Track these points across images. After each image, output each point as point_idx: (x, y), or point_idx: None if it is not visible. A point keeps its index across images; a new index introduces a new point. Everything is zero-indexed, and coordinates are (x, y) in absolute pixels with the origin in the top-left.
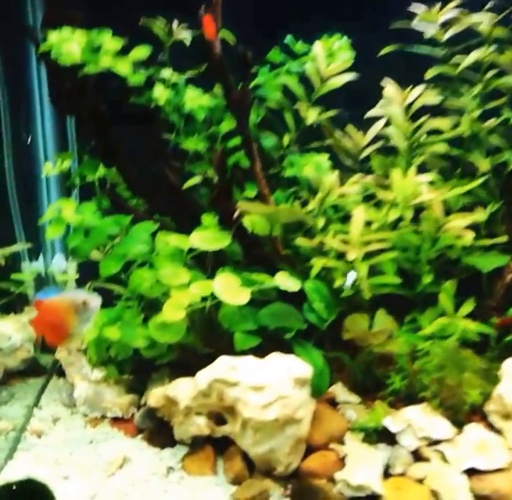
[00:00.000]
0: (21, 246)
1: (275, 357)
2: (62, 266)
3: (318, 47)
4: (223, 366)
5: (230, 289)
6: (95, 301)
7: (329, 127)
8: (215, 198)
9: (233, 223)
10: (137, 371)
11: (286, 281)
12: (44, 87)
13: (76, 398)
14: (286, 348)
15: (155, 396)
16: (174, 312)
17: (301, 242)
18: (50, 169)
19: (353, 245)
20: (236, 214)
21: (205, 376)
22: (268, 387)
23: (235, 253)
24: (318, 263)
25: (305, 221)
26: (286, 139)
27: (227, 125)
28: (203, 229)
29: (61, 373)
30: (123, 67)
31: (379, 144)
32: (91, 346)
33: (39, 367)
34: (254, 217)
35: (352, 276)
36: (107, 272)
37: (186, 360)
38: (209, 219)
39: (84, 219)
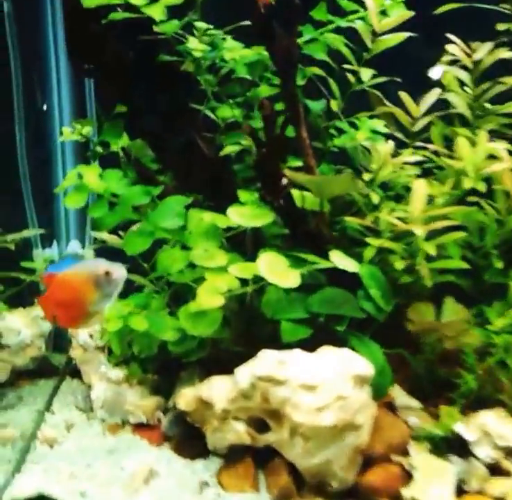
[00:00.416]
0: (32, 232)
1: (330, 351)
2: (77, 253)
3: (370, 1)
4: (269, 361)
5: (277, 270)
6: (119, 271)
7: (378, 95)
8: (261, 161)
9: (279, 194)
10: (162, 369)
11: (342, 261)
12: (60, 48)
13: (93, 400)
14: (338, 342)
15: (185, 397)
16: (210, 298)
17: (351, 221)
18: (68, 133)
19: (415, 222)
20: (284, 182)
21: (247, 373)
22: (324, 386)
23: (275, 233)
24: (374, 243)
25: (360, 195)
26: (335, 105)
27: (266, 89)
28: (240, 206)
29: (75, 373)
30: (156, 10)
31: (436, 113)
32: (114, 339)
33: (51, 366)
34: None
35: None
36: (134, 250)
37: (218, 358)
38: (246, 195)
39: (110, 187)
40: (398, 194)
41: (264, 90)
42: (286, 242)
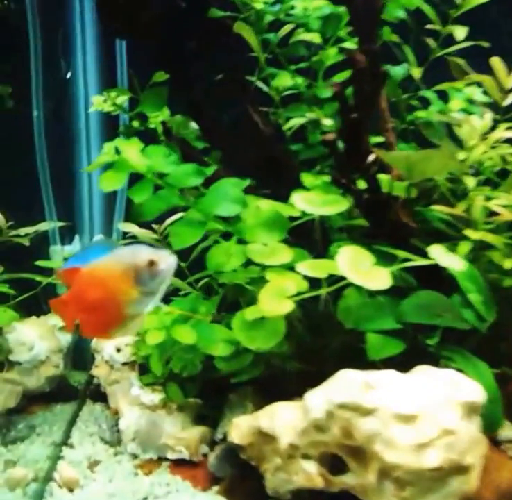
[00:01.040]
0: (50, 225)
1: (429, 372)
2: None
3: None
4: (351, 383)
5: (362, 269)
6: (167, 260)
7: (460, 63)
8: (349, 130)
9: (365, 174)
10: (205, 392)
11: (446, 257)
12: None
13: (123, 431)
14: (427, 359)
15: (239, 428)
16: (276, 303)
17: (440, 209)
18: (100, 102)
19: None
20: (371, 158)
21: (322, 399)
22: (425, 417)
23: (341, 225)
24: (473, 236)
25: (445, 180)
26: (416, 72)
27: (334, 53)
28: (305, 191)
29: (99, 396)
30: None
31: None
32: (154, 355)
33: (70, 388)
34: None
35: None
36: (182, 243)
37: (273, 377)
38: (311, 178)
39: (154, 165)
40: (488, 179)
41: (332, 53)
42: (361, 235)
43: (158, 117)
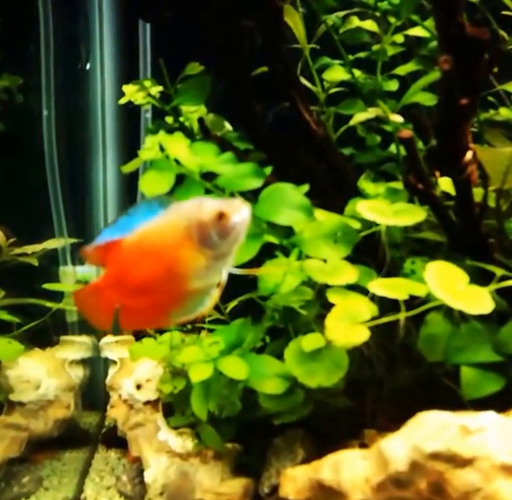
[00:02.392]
0: (60, 242)
1: None
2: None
3: None
4: (442, 428)
5: (457, 289)
6: (241, 210)
7: None
8: (449, 122)
9: (460, 175)
10: (244, 437)
11: None
12: None
13: (148, 484)
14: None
15: (295, 481)
16: (346, 331)
17: None
18: (133, 92)
19: None
20: (469, 157)
21: (406, 446)
22: None
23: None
24: None
25: None
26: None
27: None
28: (367, 200)
29: (113, 441)
30: None
31: None
32: (198, 392)
33: (81, 432)
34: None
35: None
36: (238, 260)
37: (322, 420)
38: (370, 186)
39: (205, 163)
40: None
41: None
42: (433, 251)
43: (195, 113)
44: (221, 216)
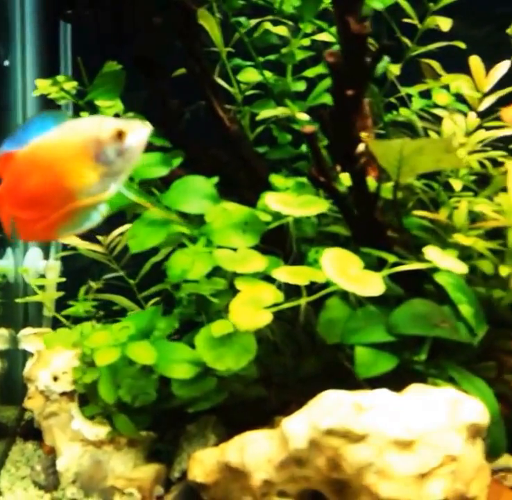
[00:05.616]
0: None
1: (424, 391)
2: (38, 266)
3: None
4: (339, 406)
5: (351, 273)
6: (140, 130)
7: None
8: (338, 113)
9: (351, 167)
10: (158, 422)
11: (443, 259)
12: None
13: (61, 473)
14: (412, 377)
15: (203, 464)
16: (251, 315)
17: (422, 214)
18: (46, 86)
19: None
20: (361, 149)
21: (305, 424)
22: (425, 442)
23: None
24: (465, 243)
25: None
26: (395, 69)
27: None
28: (276, 192)
29: (32, 433)
30: None
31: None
32: (105, 379)
33: None
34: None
35: None
36: (141, 245)
37: (236, 407)
38: (281, 180)
39: None
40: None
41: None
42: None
43: (112, 109)
44: (120, 134)
